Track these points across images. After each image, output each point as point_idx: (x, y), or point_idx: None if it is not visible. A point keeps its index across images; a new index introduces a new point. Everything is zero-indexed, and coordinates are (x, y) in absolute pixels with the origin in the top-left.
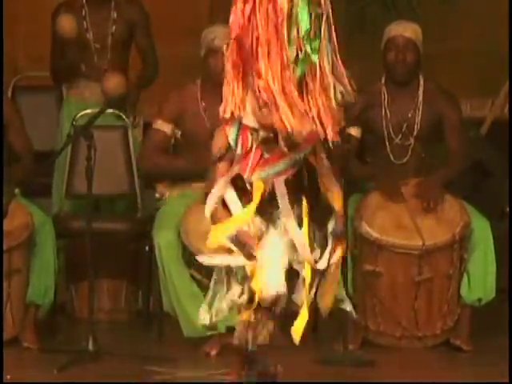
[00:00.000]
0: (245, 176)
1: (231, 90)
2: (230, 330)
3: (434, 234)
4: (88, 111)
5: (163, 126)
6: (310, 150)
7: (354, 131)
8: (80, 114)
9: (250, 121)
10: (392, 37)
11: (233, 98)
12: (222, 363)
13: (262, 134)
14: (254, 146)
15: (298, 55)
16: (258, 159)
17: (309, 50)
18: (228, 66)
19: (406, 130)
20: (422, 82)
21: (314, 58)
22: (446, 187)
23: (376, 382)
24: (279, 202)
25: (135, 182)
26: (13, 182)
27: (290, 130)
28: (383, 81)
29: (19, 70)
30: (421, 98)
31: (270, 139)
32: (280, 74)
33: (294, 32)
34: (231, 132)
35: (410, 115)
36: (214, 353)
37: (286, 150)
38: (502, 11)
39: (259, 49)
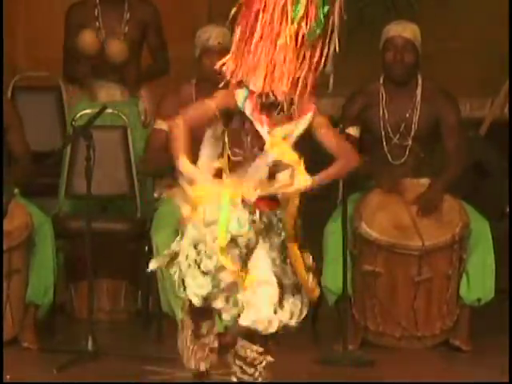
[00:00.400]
0: (265, 130)
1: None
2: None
3: (434, 234)
4: (88, 111)
5: (163, 125)
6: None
7: (353, 131)
8: (79, 114)
9: (254, 86)
10: (390, 37)
11: (240, 62)
12: (220, 363)
13: (266, 99)
14: (259, 109)
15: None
16: (270, 119)
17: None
18: (238, 31)
19: (403, 130)
20: (420, 82)
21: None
22: (447, 189)
23: (376, 382)
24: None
25: (134, 183)
26: (12, 183)
27: (268, 89)
28: (381, 81)
29: (19, 70)
30: (419, 98)
31: (274, 106)
32: (273, 39)
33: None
34: (240, 95)
35: (407, 115)
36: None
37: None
38: (502, 11)
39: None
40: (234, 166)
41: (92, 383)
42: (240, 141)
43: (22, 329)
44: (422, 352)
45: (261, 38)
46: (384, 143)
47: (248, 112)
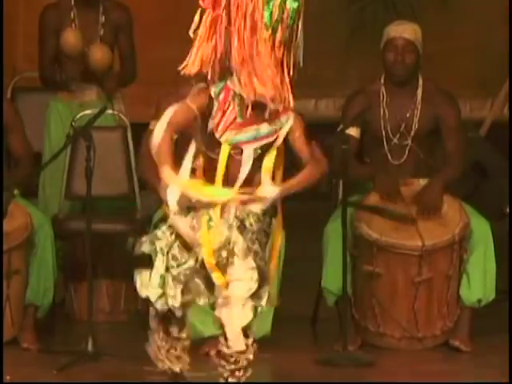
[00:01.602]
0: (216, 134)
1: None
2: None
3: (434, 234)
4: (87, 112)
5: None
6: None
7: (354, 131)
8: (79, 115)
9: (234, 85)
10: (391, 38)
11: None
12: (215, 364)
13: (246, 100)
14: (231, 108)
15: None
16: (231, 122)
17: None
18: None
19: (404, 130)
20: (420, 83)
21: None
22: (446, 189)
23: (376, 382)
24: (242, 167)
25: (134, 184)
26: (12, 183)
27: (252, 95)
28: (382, 81)
29: (18, 70)
30: (419, 99)
31: (253, 105)
32: (249, 38)
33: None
34: (215, 86)
35: (408, 115)
36: (213, 352)
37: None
38: (502, 11)
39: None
40: (209, 167)
41: (92, 383)
42: (215, 142)
43: (22, 329)
44: (422, 353)
45: (241, 43)
46: (384, 143)
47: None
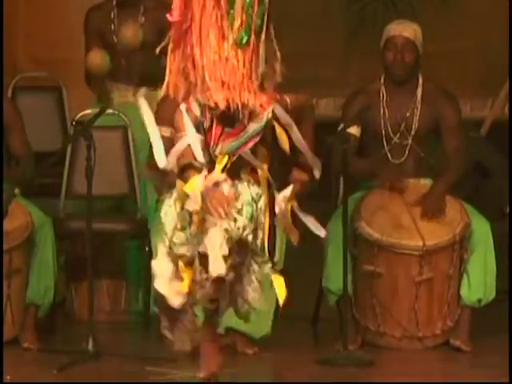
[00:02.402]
0: (211, 150)
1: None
2: (229, 330)
3: (435, 234)
4: (88, 111)
5: (162, 131)
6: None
7: (354, 130)
8: (80, 115)
9: (202, 98)
10: (391, 36)
11: (170, 77)
12: (221, 363)
13: (219, 110)
14: (215, 122)
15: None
16: (220, 134)
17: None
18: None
19: (404, 130)
20: (420, 82)
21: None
22: (448, 191)
23: (376, 382)
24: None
25: (135, 183)
26: (13, 183)
27: (212, 103)
28: (382, 80)
29: (19, 70)
30: (419, 98)
31: (228, 114)
32: (216, 46)
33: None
34: (195, 109)
35: (408, 115)
36: None
37: (245, 122)
38: (502, 11)
39: (193, 25)
40: None
41: (92, 383)
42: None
43: (22, 329)
44: (422, 352)
45: (201, 53)
46: (384, 142)
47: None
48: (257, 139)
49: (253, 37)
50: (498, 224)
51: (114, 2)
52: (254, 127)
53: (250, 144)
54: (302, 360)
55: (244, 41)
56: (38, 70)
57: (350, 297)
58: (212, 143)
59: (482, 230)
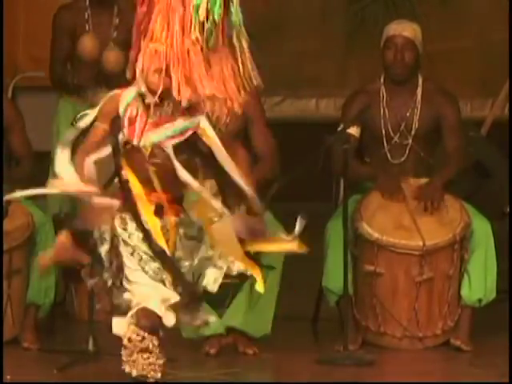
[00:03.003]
0: (134, 141)
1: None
2: (230, 330)
3: (435, 234)
4: (88, 111)
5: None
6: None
7: (354, 130)
8: (80, 115)
9: (139, 85)
10: (391, 36)
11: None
12: (221, 363)
13: (148, 99)
14: (140, 111)
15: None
16: (144, 124)
17: (216, 16)
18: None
19: (404, 129)
20: (420, 82)
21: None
22: (447, 188)
23: (377, 382)
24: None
25: None
26: (13, 183)
27: (177, 96)
28: (382, 80)
29: (19, 70)
30: (419, 98)
31: (158, 104)
32: (180, 39)
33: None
34: (129, 94)
35: (408, 114)
36: (213, 351)
37: (178, 113)
38: (502, 11)
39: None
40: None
41: (92, 383)
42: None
43: (23, 329)
44: (422, 352)
45: (170, 45)
46: (384, 142)
47: (126, 116)
48: (184, 136)
49: (218, 40)
50: (498, 224)
51: (87, 2)
52: (182, 123)
53: (176, 139)
54: (303, 360)
55: (210, 43)
56: (38, 70)
57: (350, 297)
58: (137, 134)
59: (483, 230)
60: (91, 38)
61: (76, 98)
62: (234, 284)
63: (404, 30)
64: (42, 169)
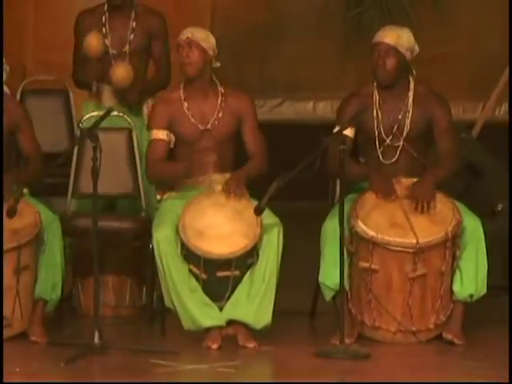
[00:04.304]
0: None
1: None
2: (230, 323)
3: (428, 232)
4: (94, 113)
5: (159, 134)
6: None
7: (349, 131)
8: (86, 117)
9: None
10: (374, 43)
11: None
12: (223, 356)
13: None
14: None
15: None
16: None
17: None
18: None
19: (396, 132)
20: (412, 86)
21: None
22: (439, 187)
23: (375, 382)
24: None
25: (139, 183)
26: (22, 183)
27: None
28: (375, 84)
29: (28, 73)
30: (411, 101)
31: None
32: None
33: None
34: None
35: (400, 117)
36: (215, 346)
37: None
38: (494, 18)
39: None
40: None
41: (94, 383)
42: None
43: (31, 323)
44: (416, 346)
45: None
46: (377, 144)
47: None
48: None
49: None
50: (488, 221)
51: (106, 7)
52: None
53: None
54: (301, 353)
55: None
56: (46, 74)
57: (346, 292)
58: None
59: (474, 228)
60: (96, 36)
61: (99, 100)
62: (234, 277)
63: (386, 36)
64: (49, 169)
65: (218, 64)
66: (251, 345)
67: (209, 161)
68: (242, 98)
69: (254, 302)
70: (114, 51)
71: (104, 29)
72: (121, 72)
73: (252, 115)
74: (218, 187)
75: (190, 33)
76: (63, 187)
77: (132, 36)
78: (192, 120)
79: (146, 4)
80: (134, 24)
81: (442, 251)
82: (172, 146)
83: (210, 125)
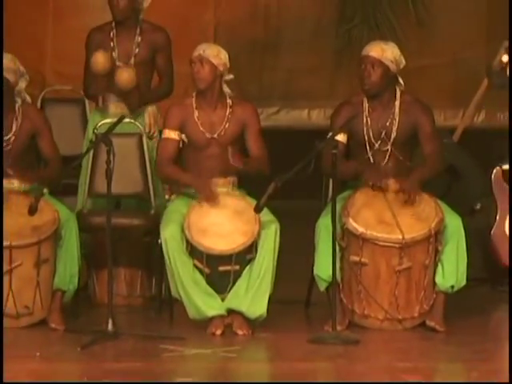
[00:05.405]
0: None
1: None
2: (230, 312)
3: (413, 228)
4: (108, 120)
5: (170, 134)
6: None
7: (341, 137)
8: (101, 123)
9: None
10: (361, 56)
11: None
12: (225, 341)
13: None
14: None
15: None
16: None
17: None
18: None
19: (384, 137)
20: (398, 95)
21: None
22: (423, 187)
23: (375, 382)
24: None
25: (149, 183)
26: (42, 183)
27: None
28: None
29: (47, 84)
30: (397, 110)
31: None
32: None
33: None
34: None
35: (387, 124)
36: (218, 332)
37: None
38: (473, 33)
39: None
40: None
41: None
42: None
43: (50, 312)
44: (402, 332)
45: None
46: (368, 148)
47: None
48: None
49: None
50: (468, 219)
51: (113, 24)
52: None
53: None
54: (296, 339)
55: None
56: (63, 84)
57: (338, 283)
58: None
59: (455, 225)
60: (103, 54)
61: (105, 111)
62: (234, 271)
63: (371, 50)
64: (66, 171)
65: (230, 76)
66: (241, 332)
67: (213, 166)
68: (247, 107)
69: (250, 293)
70: (121, 63)
71: (112, 43)
72: (125, 75)
73: (255, 123)
74: (221, 189)
75: (202, 50)
76: (73, 188)
77: (137, 49)
78: (201, 128)
79: (153, 20)
80: (140, 39)
81: (425, 246)
82: (181, 145)
83: (216, 134)
